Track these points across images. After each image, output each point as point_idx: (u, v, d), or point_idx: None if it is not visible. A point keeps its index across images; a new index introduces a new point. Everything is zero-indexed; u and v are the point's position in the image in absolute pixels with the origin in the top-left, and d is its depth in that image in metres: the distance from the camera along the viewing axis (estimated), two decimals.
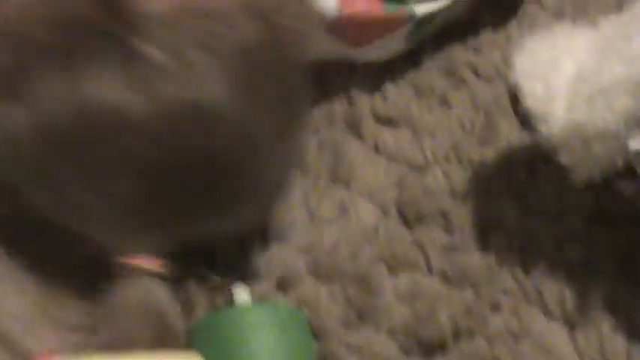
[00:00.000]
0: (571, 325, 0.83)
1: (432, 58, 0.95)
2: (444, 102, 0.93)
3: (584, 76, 0.78)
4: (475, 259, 0.85)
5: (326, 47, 0.93)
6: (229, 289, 0.82)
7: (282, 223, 0.86)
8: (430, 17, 0.94)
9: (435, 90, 0.93)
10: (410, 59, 0.94)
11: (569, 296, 0.83)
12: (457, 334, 0.82)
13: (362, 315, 0.83)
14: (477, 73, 0.94)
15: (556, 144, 0.78)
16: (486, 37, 0.96)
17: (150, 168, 0.72)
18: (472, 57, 0.95)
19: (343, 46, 0.92)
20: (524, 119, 0.81)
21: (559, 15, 0.96)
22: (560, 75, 0.79)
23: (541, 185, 0.87)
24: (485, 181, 0.89)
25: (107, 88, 0.71)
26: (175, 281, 0.82)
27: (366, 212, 0.88)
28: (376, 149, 0.90)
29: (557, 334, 0.83)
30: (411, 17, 0.92)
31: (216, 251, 0.84)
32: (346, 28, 0.91)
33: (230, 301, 0.82)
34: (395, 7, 0.91)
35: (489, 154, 0.90)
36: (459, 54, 0.95)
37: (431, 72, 0.94)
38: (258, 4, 0.77)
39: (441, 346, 0.82)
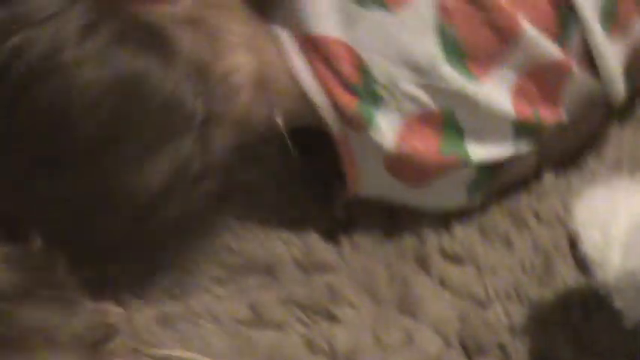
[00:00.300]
0: None
1: (497, 200, 1.00)
2: (507, 243, 0.97)
3: (634, 230, 0.83)
4: None
5: (383, 186, 0.98)
6: None
7: (349, 348, 0.91)
8: (491, 173, 0.99)
9: (498, 231, 0.98)
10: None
11: None
12: None
13: None
14: (538, 217, 0.99)
15: (611, 289, 0.83)
16: (548, 184, 1.01)
17: None
18: (534, 202, 0.99)
19: (400, 186, 0.97)
20: (582, 263, 0.86)
21: (617, 167, 1.00)
22: (617, 225, 0.84)
23: (595, 326, 0.90)
24: (542, 319, 0.93)
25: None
26: None
27: (429, 342, 0.92)
28: (442, 283, 0.95)
29: None
30: (465, 162, 0.97)
31: None
32: (403, 165, 0.96)
33: None
34: (451, 149, 0.96)
35: (547, 293, 0.94)
36: (522, 198, 0.99)
37: (495, 214, 0.99)
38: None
39: None
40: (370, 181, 0.99)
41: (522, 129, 1.00)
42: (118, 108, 0.83)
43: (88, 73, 0.82)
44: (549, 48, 0.97)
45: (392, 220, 0.99)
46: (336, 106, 0.96)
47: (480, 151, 0.98)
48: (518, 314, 0.94)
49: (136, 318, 0.91)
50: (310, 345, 0.93)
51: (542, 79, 1.00)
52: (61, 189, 0.85)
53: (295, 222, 1.00)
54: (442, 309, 0.95)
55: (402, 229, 0.99)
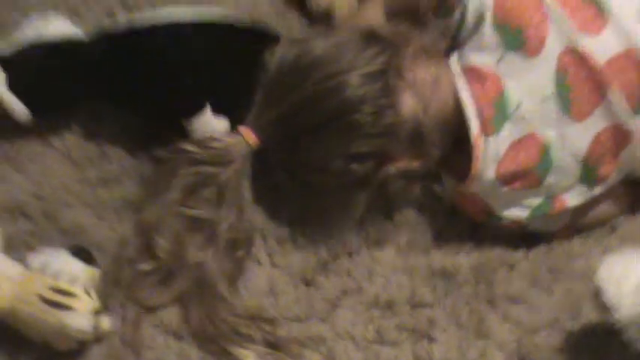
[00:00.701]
0: None
1: (543, 259, 1.20)
2: (550, 290, 1.19)
3: None
4: None
5: (486, 184, 1.15)
6: None
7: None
8: (550, 205, 1.17)
9: (543, 281, 1.19)
10: (527, 259, 1.20)
11: None
12: None
13: None
14: (571, 273, 1.19)
15: (623, 325, 1.04)
16: (577, 249, 1.21)
17: None
18: (569, 261, 1.20)
19: (496, 184, 1.15)
20: (602, 307, 1.05)
21: (628, 240, 1.20)
22: (628, 283, 1.05)
23: (612, 349, 1.10)
24: (575, 344, 1.14)
25: None
26: None
27: (496, 357, 1.15)
28: (505, 317, 1.17)
29: None
30: (540, 181, 1.14)
31: None
32: (507, 167, 1.14)
33: None
34: (541, 167, 1.14)
35: (578, 326, 1.15)
36: (560, 259, 1.20)
37: (541, 269, 1.19)
38: None
39: None
40: (482, 178, 1.16)
41: (585, 173, 1.16)
42: (330, 51, 1.15)
43: (318, 45, 1.16)
44: (625, 112, 1.14)
45: (472, 273, 1.19)
46: (480, 114, 1.16)
47: (552, 179, 1.16)
48: (558, 339, 1.14)
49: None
50: (416, 357, 1.15)
51: (613, 137, 1.15)
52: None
53: (404, 271, 1.20)
54: (505, 334, 1.16)
55: (477, 280, 1.19)
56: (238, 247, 1.17)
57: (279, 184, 1.20)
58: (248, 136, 1.16)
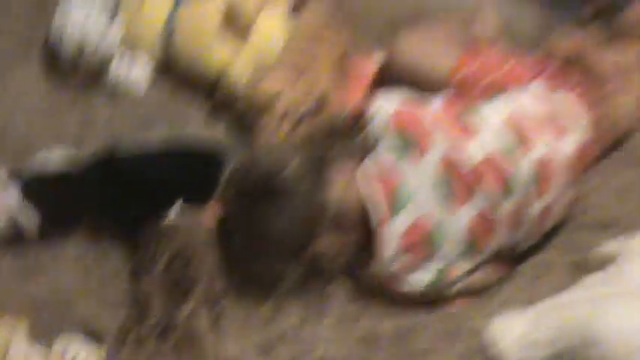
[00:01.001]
0: None
1: (446, 320, 1.42)
2: (453, 344, 1.40)
3: (524, 335, 1.31)
4: None
5: (393, 259, 1.42)
6: None
7: None
8: (443, 275, 1.43)
9: (448, 337, 1.40)
10: (435, 321, 1.43)
11: None
12: None
13: None
14: (471, 330, 1.40)
15: None
16: (469, 311, 1.44)
17: None
18: (469, 321, 1.42)
19: (402, 257, 1.41)
20: (494, 357, 1.31)
21: (508, 304, 1.42)
22: (511, 336, 1.32)
23: None
24: None
25: None
26: None
27: None
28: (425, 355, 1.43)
29: None
30: (432, 255, 1.42)
31: None
32: (408, 241, 1.42)
33: None
34: (431, 246, 1.41)
35: None
36: (466, 318, 1.42)
37: (445, 327, 1.42)
38: None
39: None
40: (388, 254, 1.42)
41: (469, 246, 1.42)
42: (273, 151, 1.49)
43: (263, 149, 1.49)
44: (493, 200, 1.41)
45: (394, 334, 1.41)
46: (385, 201, 1.42)
47: (444, 251, 1.42)
48: None
49: None
50: None
51: (483, 222, 1.43)
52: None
53: (341, 336, 1.43)
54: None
55: (399, 339, 1.41)
56: (214, 304, 1.45)
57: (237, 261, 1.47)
58: (214, 208, 1.46)
